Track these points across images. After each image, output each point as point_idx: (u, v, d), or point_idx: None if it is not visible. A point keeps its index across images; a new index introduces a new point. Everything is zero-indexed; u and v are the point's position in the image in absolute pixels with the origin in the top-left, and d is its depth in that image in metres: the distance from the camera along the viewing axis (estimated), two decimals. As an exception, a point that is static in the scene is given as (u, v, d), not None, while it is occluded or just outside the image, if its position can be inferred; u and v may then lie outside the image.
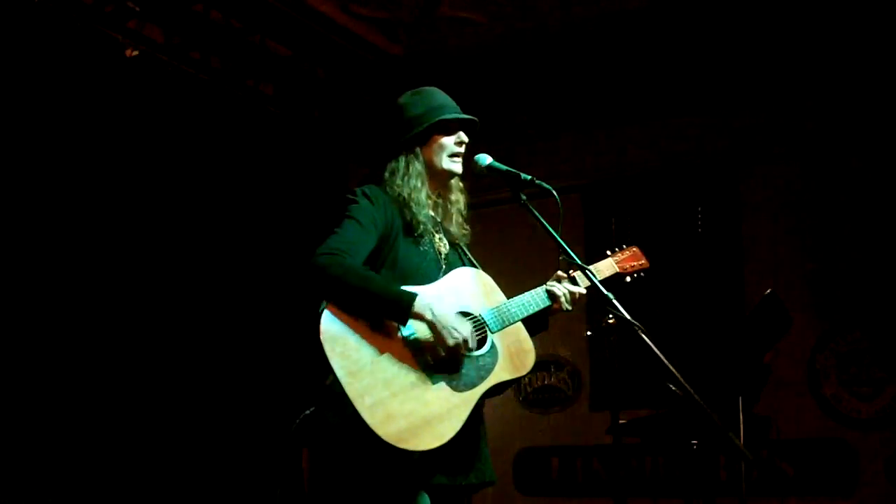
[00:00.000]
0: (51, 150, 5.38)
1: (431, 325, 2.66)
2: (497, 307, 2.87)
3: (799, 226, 6.44)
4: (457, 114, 2.99)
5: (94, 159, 5.59)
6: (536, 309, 2.91)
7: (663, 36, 6.30)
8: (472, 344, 2.71)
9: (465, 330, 2.70)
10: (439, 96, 3.03)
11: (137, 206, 5.82)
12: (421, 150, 2.96)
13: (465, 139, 3.00)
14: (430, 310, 2.65)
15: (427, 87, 3.06)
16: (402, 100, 3.03)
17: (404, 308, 2.63)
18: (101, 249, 5.59)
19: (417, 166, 2.94)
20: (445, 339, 2.65)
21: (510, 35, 6.37)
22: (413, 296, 2.65)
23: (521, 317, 2.88)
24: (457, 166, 2.98)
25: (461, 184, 3.08)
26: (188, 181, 6.12)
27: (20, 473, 5.05)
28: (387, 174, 2.95)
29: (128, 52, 5.55)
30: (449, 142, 2.97)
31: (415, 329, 2.68)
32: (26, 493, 5.05)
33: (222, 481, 6.06)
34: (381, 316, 2.66)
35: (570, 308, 2.96)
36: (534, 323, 2.97)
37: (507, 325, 2.85)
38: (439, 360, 2.68)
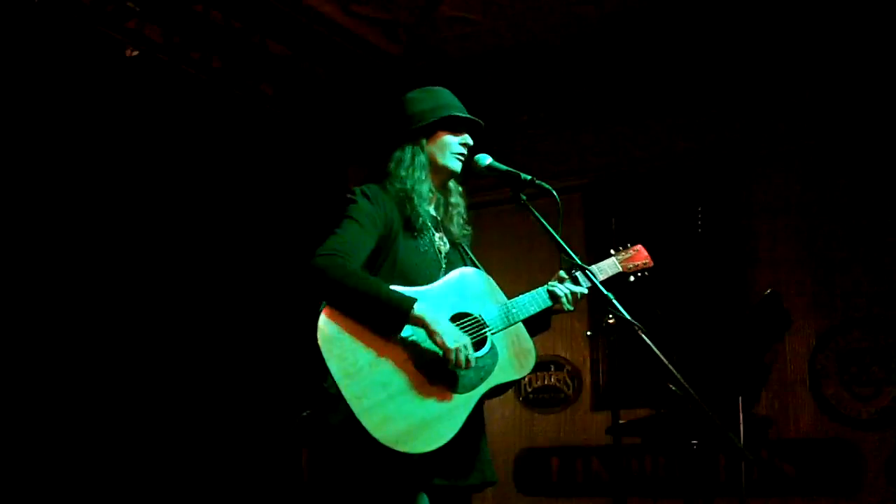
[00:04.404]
0: (51, 149, 5.38)
1: (429, 336, 2.64)
2: (498, 308, 2.85)
3: (800, 225, 6.43)
4: (465, 114, 3.00)
5: (95, 159, 5.59)
6: (538, 310, 2.90)
7: (664, 35, 6.30)
8: (470, 353, 2.68)
9: (463, 338, 2.68)
10: (448, 96, 3.05)
11: (137, 206, 5.82)
12: (426, 142, 2.97)
13: (470, 142, 3.01)
14: (427, 322, 2.63)
15: (437, 87, 3.08)
16: (411, 94, 3.05)
17: (402, 314, 2.62)
18: (101, 249, 5.59)
19: (422, 158, 2.96)
20: (445, 344, 2.63)
21: (510, 35, 6.37)
22: (411, 301, 2.64)
23: (522, 317, 2.87)
24: (457, 165, 2.99)
25: (460, 188, 3.09)
26: (188, 181, 6.12)
27: (20, 473, 5.04)
28: (391, 165, 2.95)
29: (128, 52, 5.56)
30: (454, 140, 2.98)
31: (413, 332, 2.67)
32: (26, 493, 5.05)
33: (222, 482, 6.05)
34: (379, 321, 2.64)
35: (572, 308, 2.95)
36: (536, 323, 2.96)
37: (508, 326, 2.84)
38: (437, 364, 2.67)
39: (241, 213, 6.47)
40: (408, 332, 2.66)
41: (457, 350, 2.63)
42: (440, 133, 2.98)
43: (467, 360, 2.65)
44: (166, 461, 5.76)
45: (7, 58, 5.08)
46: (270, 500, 6.21)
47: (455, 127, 2.99)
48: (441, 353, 2.64)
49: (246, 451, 6.20)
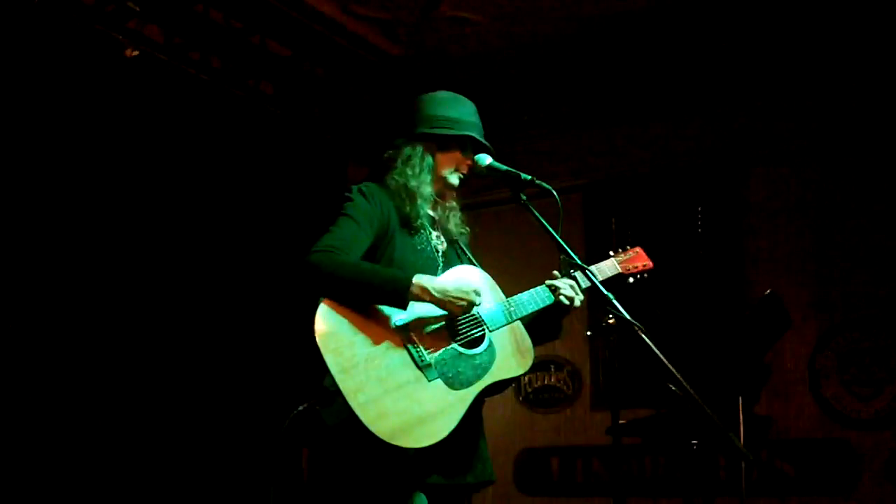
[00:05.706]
0: (51, 150, 5.38)
1: (435, 303, 2.67)
2: (496, 305, 2.86)
3: (800, 226, 6.43)
4: (482, 139, 3.00)
5: (94, 159, 5.59)
6: (537, 307, 2.89)
7: (664, 36, 6.30)
8: (478, 300, 2.73)
9: (466, 288, 2.71)
10: (473, 113, 3.04)
11: (137, 206, 5.82)
12: (437, 149, 2.98)
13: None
14: (428, 288, 2.66)
15: (464, 97, 3.07)
16: (438, 95, 3.05)
17: (402, 292, 2.64)
18: (100, 249, 5.59)
19: (430, 161, 2.96)
20: (454, 312, 2.69)
21: (510, 35, 6.37)
22: (408, 278, 2.66)
23: (521, 315, 2.87)
24: (457, 182, 3.01)
25: (454, 193, 3.09)
26: (188, 181, 6.12)
27: (20, 473, 5.04)
28: (399, 159, 2.96)
29: (128, 52, 5.55)
30: (462, 161, 2.99)
31: (418, 311, 2.69)
32: (27, 493, 5.05)
33: (218, 479, 6.05)
34: (381, 303, 2.66)
35: (580, 299, 2.90)
36: (544, 329, 2.98)
37: (507, 324, 2.84)
38: (455, 325, 2.73)
39: (241, 212, 6.47)
40: (411, 314, 2.68)
41: (463, 308, 2.70)
42: (454, 148, 2.98)
43: (474, 298, 2.71)
44: (166, 460, 5.75)
45: (7, 57, 5.08)
46: (265, 496, 6.20)
47: (470, 148, 2.99)
48: (455, 314, 2.71)
49: (243, 446, 6.20)
